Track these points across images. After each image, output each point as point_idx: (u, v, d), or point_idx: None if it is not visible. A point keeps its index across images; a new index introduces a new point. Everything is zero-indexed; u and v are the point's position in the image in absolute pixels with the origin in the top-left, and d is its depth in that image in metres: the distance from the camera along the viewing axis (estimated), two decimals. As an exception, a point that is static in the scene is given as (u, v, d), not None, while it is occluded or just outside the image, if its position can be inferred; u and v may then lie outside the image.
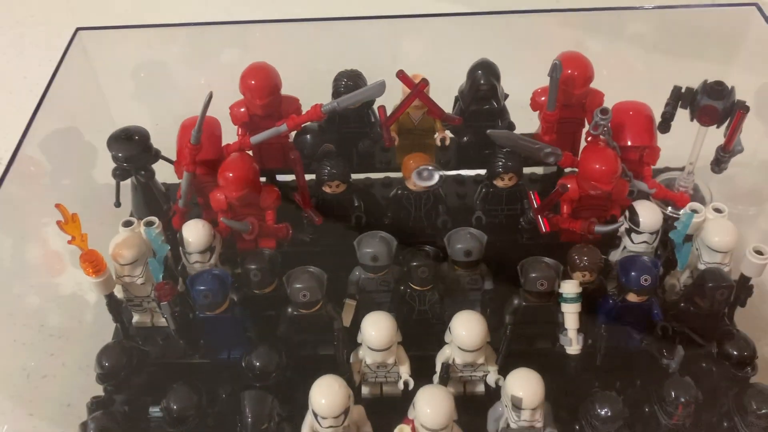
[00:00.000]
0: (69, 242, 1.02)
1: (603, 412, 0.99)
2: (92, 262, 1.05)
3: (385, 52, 1.28)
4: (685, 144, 1.24)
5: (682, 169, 1.29)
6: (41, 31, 1.92)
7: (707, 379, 1.06)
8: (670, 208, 1.25)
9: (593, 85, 1.16)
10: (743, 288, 1.10)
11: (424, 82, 1.05)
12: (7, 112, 1.62)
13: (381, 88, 1.04)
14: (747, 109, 1.06)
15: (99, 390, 1.10)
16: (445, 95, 1.16)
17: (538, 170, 1.34)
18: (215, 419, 1.07)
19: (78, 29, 1.20)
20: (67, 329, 1.25)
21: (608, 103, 1.18)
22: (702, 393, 1.02)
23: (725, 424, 1.02)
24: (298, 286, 1.05)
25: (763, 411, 0.98)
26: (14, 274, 1.14)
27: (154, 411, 1.12)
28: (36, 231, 1.16)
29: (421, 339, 1.14)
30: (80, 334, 1.26)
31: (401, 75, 1.03)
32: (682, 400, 0.98)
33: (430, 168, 1.06)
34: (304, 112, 1.12)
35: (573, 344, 1.06)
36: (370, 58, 1.19)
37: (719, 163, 1.14)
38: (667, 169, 1.34)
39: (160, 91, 1.35)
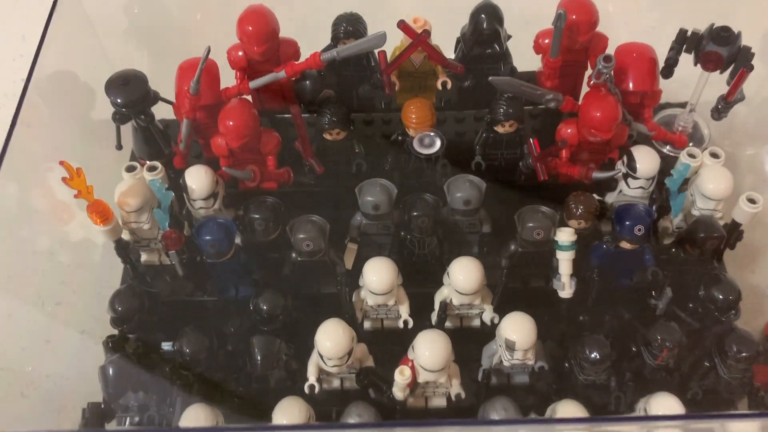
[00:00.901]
0: (75, 196, 1.03)
1: (592, 355, 1.05)
2: (99, 213, 1.08)
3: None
4: (687, 81, 1.23)
5: (683, 105, 1.29)
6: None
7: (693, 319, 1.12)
8: (668, 147, 1.26)
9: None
10: (734, 232, 1.14)
11: (426, 34, 1.03)
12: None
13: (382, 39, 1.01)
14: (751, 68, 1.05)
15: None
16: (444, 38, 1.14)
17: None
18: (226, 357, 1.13)
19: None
20: (77, 264, 1.29)
21: (612, 44, 1.17)
22: (686, 333, 1.09)
23: (706, 363, 1.09)
24: (301, 236, 1.08)
25: (743, 355, 1.04)
26: (23, 221, 1.16)
27: (166, 345, 1.18)
28: (42, 178, 1.17)
29: (420, 278, 1.19)
30: (90, 269, 1.31)
31: (402, 26, 1.01)
32: (667, 344, 1.04)
33: (431, 134, 1.06)
34: (302, 57, 1.10)
35: (566, 288, 1.10)
36: (367, 3, 1.15)
37: (720, 111, 1.14)
38: (668, 105, 1.33)
39: (155, 30, 1.32)
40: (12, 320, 1.27)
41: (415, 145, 1.08)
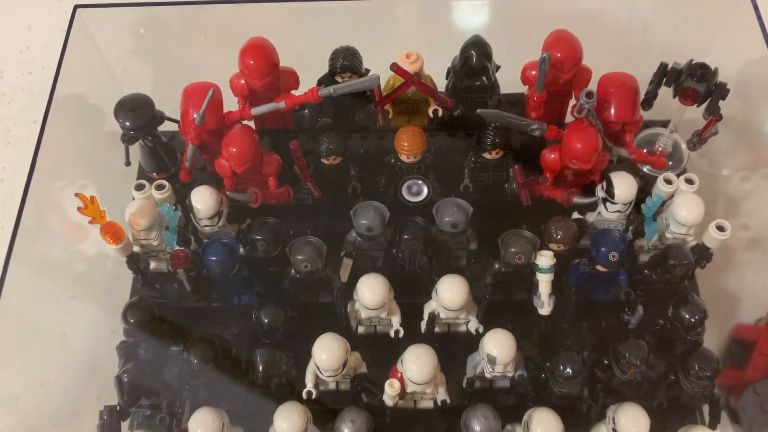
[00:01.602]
0: (90, 222, 1.11)
1: (565, 372, 1.14)
2: (112, 234, 1.16)
3: (379, 28, 1.28)
4: (669, 98, 1.29)
5: (665, 124, 1.35)
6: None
7: (659, 334, 1.21)
8: (648, 167, 1.33)
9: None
10: (703, 254, 1.22)
11: (416, 77, 1.08)
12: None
13: (376, 81, 1.08)
14: (720, 117, 1.11)
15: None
16: (436, 64, 1.20)
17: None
18: (231, 366, 1.23)
19: (77, 7, 1.20)
20: (91, 270, 1.38)
21: (596, 73, 1.22)
22: (655, 347, 1.18)
23: (671, 377, 1.18)
24: (300, 257, 1.17)
25: (704, 374, 1.13)
26: (41, 236, 1.24)
27: (174, 349, 1.28)
28: (58, 197, 1.25)
29: (411, 290, 1.27)
30: (102, 273, 1.40)
31: (396, 69, 1.07)
32: (635, 361, 1.13)
33: (419, 182, 1.13)
34: (302, 88, 1.16)
35: (545, 307, 1.19)
36: (365, 35, 1.21)
37: (695, 144, 1.20)
38: (651, 123, 1.39)
39: (160, 50, 1.37)
40: (31, 317, 1.37)
41: (404, 192, 1.15)
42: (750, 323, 1.41)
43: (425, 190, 1.15)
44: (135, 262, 1.25)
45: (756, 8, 1.18)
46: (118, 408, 1.20)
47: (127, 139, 1.24)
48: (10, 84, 1.82)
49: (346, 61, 1.17)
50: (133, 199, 1.25)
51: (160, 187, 1.24)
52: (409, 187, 1.15)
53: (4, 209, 1.64)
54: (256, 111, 1.18)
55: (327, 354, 1.14)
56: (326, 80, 1.20)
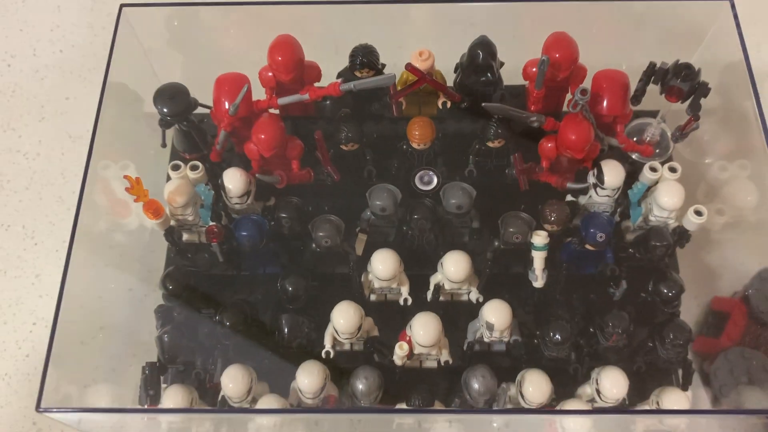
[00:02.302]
0: (135, 200, 1.25)
1: (555, 337, 1.29)
2: (153, 210, 1.29)
3: (394, 28, 1.40)
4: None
5: (653, 115, 1.47)
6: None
7: (640, 306, 1.36)
8: (636, 155, 1.46)
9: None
10: (683, 236, 1.35)
11: (428, 75, 1.21)
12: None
13: (392, 79, 1.20)
14: (697, 117, 1.23)
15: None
16: (447, 58, 1.32)
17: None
18: (258, 328, 1.38)
19: (122, 5, 1.32)
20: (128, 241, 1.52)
21: (590, 69, 1.34)
22: (634, 318, 1.32)
23: (650, 344, 1.33)
24: (321, 234, 1.30)
25: (677, 341, 1.28)
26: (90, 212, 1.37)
27: (205, 311, 1.43)
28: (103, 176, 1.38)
29: (419, 263, 1.40)
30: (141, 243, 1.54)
31: (410, 68, 1.19)
32: (617, 330, 1.28)
33: (430, 173, 1.26)
34: (324, 81, 1.28)
35: (538, 280, 1.33)
36: (382, 34, 1.32)
37: (677, 138, 1.33)
38: (642, 114, 1.51)
39: (194, 43, 1.49)
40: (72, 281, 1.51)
41: (417, 181, 1.29)
42: (727, 296, 1.55)
43: (435, 180, 1.29)
44: (171, 234, 1.39)
45: (735, 16, 1.30)
46: (157, 364, 1.35)
47: (165, 124, 1.37)
48: (43, 61, 1.94)
49: (365, 58, 1.29)
50: (169, 178, 1.39)
51: (194, 168, 1.37)
52: (421, 177, 1.29)
53: (40, 181, 1.77)
54: (282, 101, 1.30)
55: (345, 319, 1.29)
56: (346, 74, 1.33)
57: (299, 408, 1.31)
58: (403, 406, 1.32)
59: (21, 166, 1.79)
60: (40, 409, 1.18)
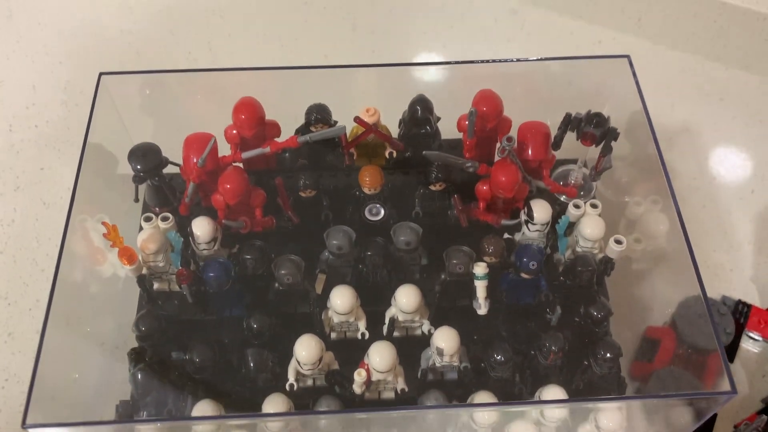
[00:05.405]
0: (111, 246, 1.37)
1: (498, 357, 1.42)
2: (127, 257, 1.41)
3: (344, 89, 1.59)
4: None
5: (575, 162, 1.67)
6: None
7: (575, 330, 1.50)
8: (563, 197, 1.64)
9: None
10: (607, 264, 1.52)
11: (374, 127, 1.39)
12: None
13: (342, 129, 1.38)
14: (605, 153, 1.44)
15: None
16: (392, 114, 1.51)
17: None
18: (225, 365, 1.47)
19: (101, 74, 1.49)
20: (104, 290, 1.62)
21: (515, 120, 1.54)
22: (570, 340, 1.46)
23: (585, 363, 1.47)
24: (283, 272, 1.43)
25: (608, 356, 1.41)
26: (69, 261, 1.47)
27: (176, 354, 1.52)
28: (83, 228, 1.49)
29: (374, 299, 1.52)
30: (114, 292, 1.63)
31: (358, 120, 1.37)
32: (553, 348, 1.41)
33: (377, 206, 1.43)
34: (283, 136, 1.45)
35: (482, 308, 1.47)
36: (333, 94, 1.51)
37: (593, 177, 1.52)
38: (566, 161, 1.71)
39: (164, 108, 1.65)
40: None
41: (366, 213, 1.45)
42: (658, 325, 1.71)
43: (382, 212, 1.45)
44: (143, 282, 1.50)
45: (633, 73, 1.53)
46: (130, 402, 1.43)
47: (138, 180, 1.50)
48: (18, 136, 2.08)
49: (318, 114, 1.47)
50: (141, 228, 1.51)
51: (164, 219, 1.50)
52: (370, 209, 1.45)
53: (15, 245, 1.87)
54: (246, 155, 1.45)
55: (306, 350, 1.39)
56: (302, 129, 1.50)
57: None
58: (364, 432, 1.42)
59: (-5, 232, 1.89)
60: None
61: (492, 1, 2.35)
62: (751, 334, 1.72)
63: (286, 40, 2.24)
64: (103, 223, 1.33)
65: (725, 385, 1.26)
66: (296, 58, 2.12)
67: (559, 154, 1.59)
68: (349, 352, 1.52)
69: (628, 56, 1.53)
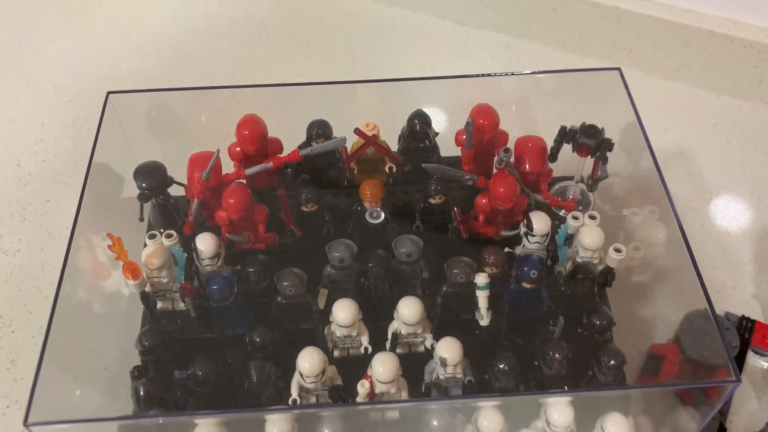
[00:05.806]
0: (116, 258, 1.38)
1: (502, 367, 1.41)
2: (131, 271, 1.42)
3: (345, 105, 1.65)
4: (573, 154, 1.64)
5: (572, 178, 1.70)
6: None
7: (578, 340, 1.50)
8: (562, 211, 1.66)
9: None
10: (608, 274, 1.53)
11: (374, 138, 1.43)
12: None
13: (343, 141, 1.42)
14: (605, 159, 1.47)
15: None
16: (391, 131, 1.55)
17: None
18: (227, 381, 1.47)
19: (109, 93, 1.54)
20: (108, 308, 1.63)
21: (512, 136, 1.58)
22: (573, 350, 1.46)
23: (589, 372, 1.46)
24: (285, 284, 1.44)
25: (612, 363, 1.41)
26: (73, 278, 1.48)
27: (178, 373, 1.51)
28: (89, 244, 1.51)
29: (376, 314, 1.53)
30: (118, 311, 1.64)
31: (358, 132, 1.41)
32: (557, 357, 1.41)
33: (378, 210, 1.45)
34: (285, 152, 1.49)
35: (484, 319, 1.47)
36: (334, 110, 1.56)
37: (590, 187, 1.55)
38: (563, 178, 1.74)
39: (169, 128, 1.70)
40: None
41: (367, 217, 1.47)
42: (662, 342, 1.70)
43: (382, 215, 1.47)
44: (146, 299, 1.51)
45: (626, 85, 1.57)
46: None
47: (143, 198, 1.53)
48: (26, 170, 2.12)
49: (320, 130, 1.50)
50: (145, 245, 1.53)
51: (168, 236, 1.52)
52: (370, 213, 1.47)
53: (20, 275, 1.89)
54: (249, 171, 1.49)
55: (309, 362, 1.39)
56: (304, 145, 1.53)
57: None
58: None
59: (1, 261, 1.91)
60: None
61: (487, 37, 2.43)
62: (757, 350, 1.71)
63: (288, 78, 2.31)
64: (108, 235, 1.35)
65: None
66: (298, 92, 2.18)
67: (556, 171, 1.63)
68: (353, 369, 1.51)
69: (619, 68, 1.58)
